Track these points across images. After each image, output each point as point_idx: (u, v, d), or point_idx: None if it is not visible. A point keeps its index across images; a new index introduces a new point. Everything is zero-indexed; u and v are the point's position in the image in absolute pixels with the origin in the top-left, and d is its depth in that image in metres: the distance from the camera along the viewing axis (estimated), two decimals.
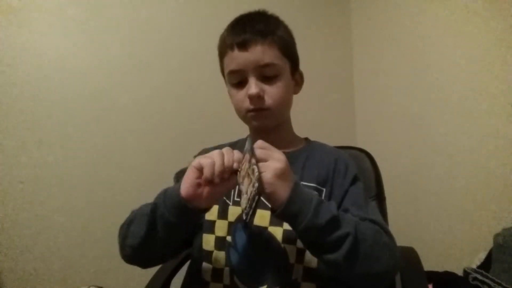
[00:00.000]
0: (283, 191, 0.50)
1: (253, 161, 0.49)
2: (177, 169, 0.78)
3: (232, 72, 0.67)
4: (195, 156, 0.77)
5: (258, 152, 0.51)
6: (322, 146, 0.76)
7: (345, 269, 0.52)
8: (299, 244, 0.62)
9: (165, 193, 0.56)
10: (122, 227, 0.62)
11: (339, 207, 0.63)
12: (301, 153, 0.72)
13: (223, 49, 0.68)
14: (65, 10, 1.18)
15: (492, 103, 1.21)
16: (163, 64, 1.34)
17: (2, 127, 1.10)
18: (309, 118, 1.50)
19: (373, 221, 0.58)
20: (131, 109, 1.29)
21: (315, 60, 1.67)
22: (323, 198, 0.65)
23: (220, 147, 0.73)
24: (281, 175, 0.50)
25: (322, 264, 0.58)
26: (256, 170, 0.47)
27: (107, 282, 1.20)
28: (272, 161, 0.51)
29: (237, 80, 0.67)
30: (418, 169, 1.47)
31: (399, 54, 1.55)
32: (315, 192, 0.60)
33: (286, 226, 0.62)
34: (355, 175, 0.68)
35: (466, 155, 1.29)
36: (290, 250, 0.61)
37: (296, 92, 0.74)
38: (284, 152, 0.70)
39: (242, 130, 0.80)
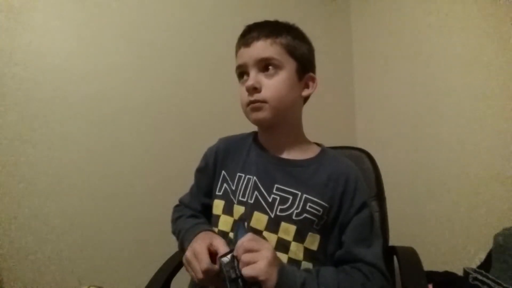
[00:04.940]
0: (273, 278, 0.55)
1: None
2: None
3: (237, 67, 0.72)
4: (209, 148, 0.82)
5: (248, 245, 0.56)
6: (334, 159, 0.74)
7: None
8: (291, 254, 0.64)
9: (185, 234, 0.70)
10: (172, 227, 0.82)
11: (341, 233, 0.67)
12: (311, 164, 0.72)
13: (236, 50, 0.73)
14: (66, 10, 1.18)
15: (492, 102, 1.21)
16: (165, 64, 1.34)
17: (3, 126, 1.10)
18: (309, 118, 1.49)
19: (367, 264, 0.63)
20: (133, 109, 1.28)
21: (315, 60, 1.66)
22: (325, 215, 0.67)
23: (234, 138, 0.81)
24: (272, 262, 0.55)
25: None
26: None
27: (107, 282, 1.20)
28: (264, 250, 0.56)
29: (241, 72, 0.72)
30: (418, 169, 1.47)
31: (399, 54, 1.55)
32: (298, 272, 0.61)
33: (281, 234, 0.65)
34: (363, 202, 0.68)
35: (466, 155, 1.29)
36: (281, 258, 0.62)
37: (303, 93, 0.75)
38: (293, 160, 0.73)
39: (247, 129, 0.80)
